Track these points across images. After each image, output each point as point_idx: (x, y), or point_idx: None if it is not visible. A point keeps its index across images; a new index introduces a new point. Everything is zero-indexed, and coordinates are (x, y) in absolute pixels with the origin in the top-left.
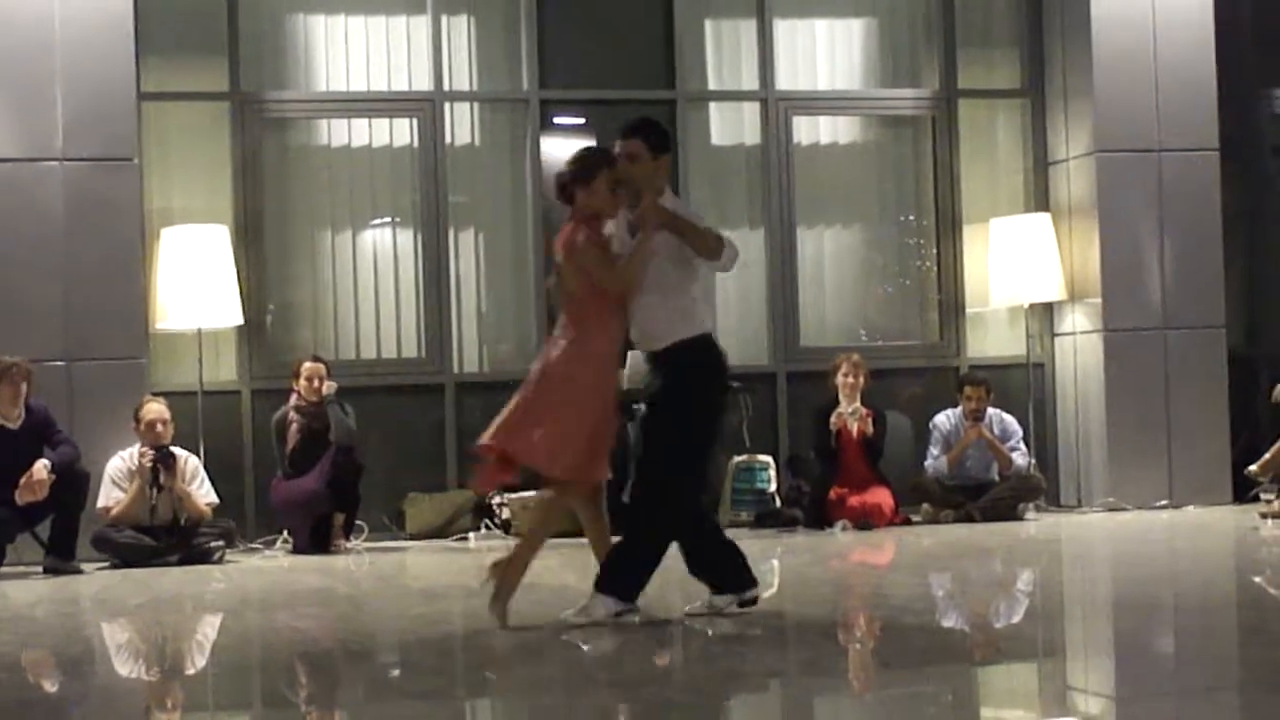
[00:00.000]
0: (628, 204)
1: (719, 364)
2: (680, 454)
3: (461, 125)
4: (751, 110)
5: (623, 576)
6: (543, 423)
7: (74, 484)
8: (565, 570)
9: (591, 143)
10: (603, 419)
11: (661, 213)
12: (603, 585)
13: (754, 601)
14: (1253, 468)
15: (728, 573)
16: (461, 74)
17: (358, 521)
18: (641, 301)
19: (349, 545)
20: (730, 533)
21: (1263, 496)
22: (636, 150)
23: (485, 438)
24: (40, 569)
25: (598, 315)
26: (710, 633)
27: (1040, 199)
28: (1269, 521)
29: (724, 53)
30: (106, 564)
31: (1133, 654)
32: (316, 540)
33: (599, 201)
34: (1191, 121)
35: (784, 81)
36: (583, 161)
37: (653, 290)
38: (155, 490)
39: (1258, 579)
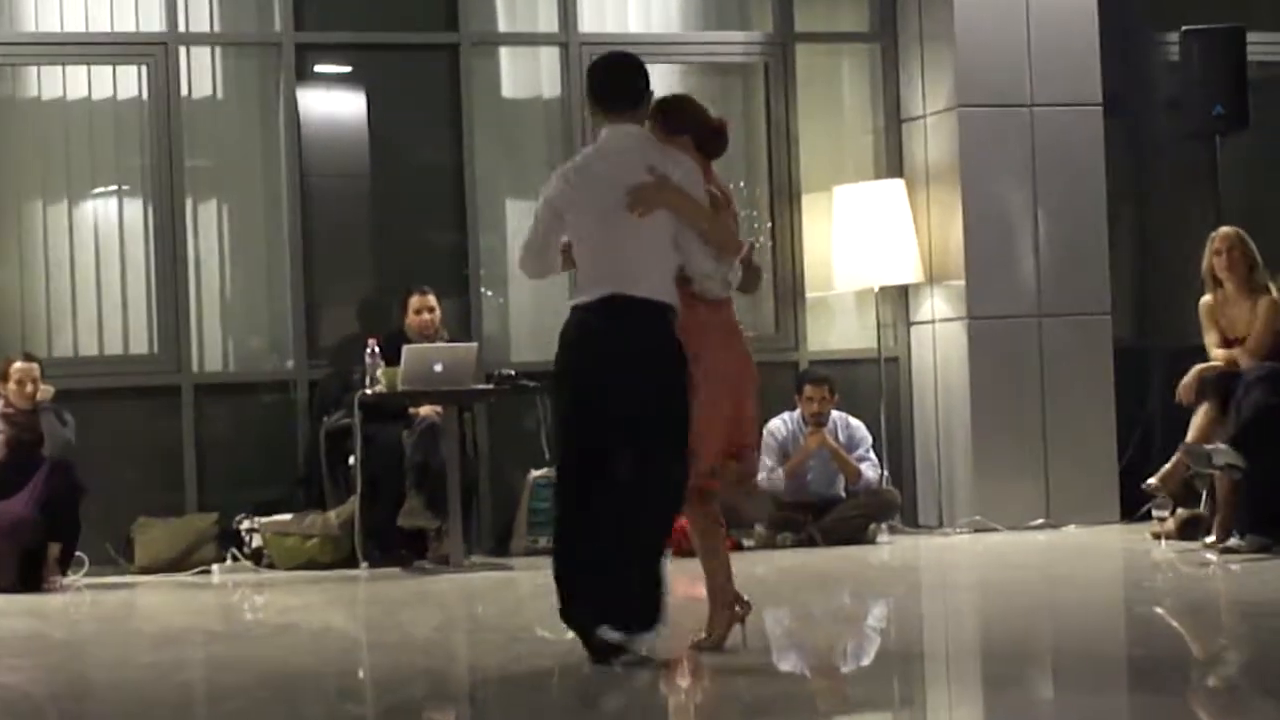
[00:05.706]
0: None
1: None
2: None
3: (201, 74)
4: (550, 56)
5: None
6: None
7: None
8: (330, 608)
9: (360, 95)
10: None
11: None
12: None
13: None
14: (1153, 480)
15: None
16: (200, 13)
17: (77, 553)
18: None
19: (65, 582)
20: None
21: (1155, 514)
22: None
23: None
24: None
25: None
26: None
27: (893, 163)
28: (1162, 542)
29: None
30: None
31: (1003, 704)
32: (26, 576)
33: None
34: (1070, 72)
35: (588, 23)
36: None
37: None
38: None
39: (1152, 611)
